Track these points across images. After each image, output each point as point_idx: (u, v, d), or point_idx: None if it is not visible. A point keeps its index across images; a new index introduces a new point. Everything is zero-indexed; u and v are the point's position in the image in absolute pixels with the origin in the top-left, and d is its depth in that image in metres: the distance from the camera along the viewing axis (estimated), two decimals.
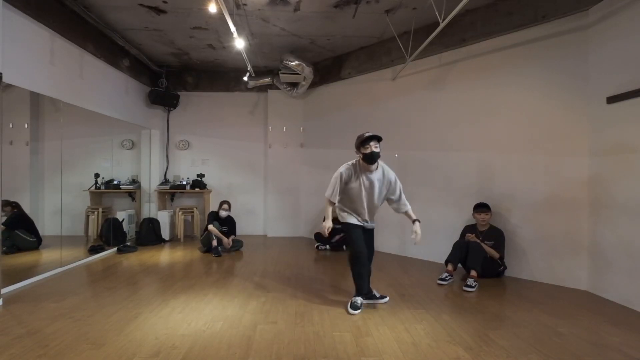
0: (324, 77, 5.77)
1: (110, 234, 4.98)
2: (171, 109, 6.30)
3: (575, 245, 3.40)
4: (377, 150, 2.76)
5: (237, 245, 5.09)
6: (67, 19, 3.89)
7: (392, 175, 2.97)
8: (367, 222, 2.97)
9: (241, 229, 6.02)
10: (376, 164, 2.85)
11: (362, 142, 2.75)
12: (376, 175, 2.87)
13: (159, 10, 4.05)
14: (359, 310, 2.77)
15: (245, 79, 5.79)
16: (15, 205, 3.72)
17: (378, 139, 2.78)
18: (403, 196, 3.00)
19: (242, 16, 4.17)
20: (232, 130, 6.44)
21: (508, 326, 2.53)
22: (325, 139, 5.86)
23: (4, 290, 3.02)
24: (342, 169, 2.87)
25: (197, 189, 6.05)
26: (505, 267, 3.70)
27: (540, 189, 3.61)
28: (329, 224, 2.89)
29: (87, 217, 4.88)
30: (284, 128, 6.26)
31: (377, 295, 2.95)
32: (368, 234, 3.00)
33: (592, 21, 3.29)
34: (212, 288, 3.32)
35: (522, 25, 3.64)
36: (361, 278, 2.87)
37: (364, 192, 2.86)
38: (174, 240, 5.84)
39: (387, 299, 2.95)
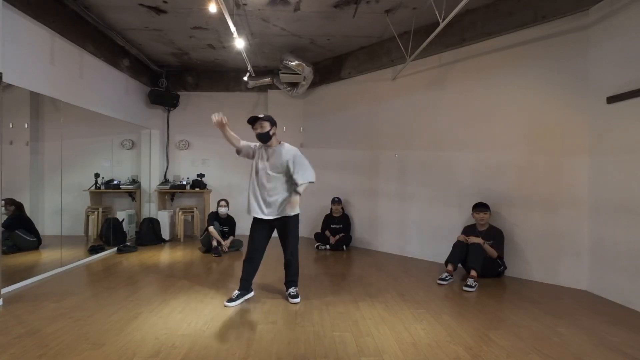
0: (324, 77, 5.77)
1: (110, 234, 4.98)
2: (171, 109, 6.30)
3: (575, 245, 3.40)
4: (261, 130, 2.93)
5: (237, 245, 5.09)
6: (67, 19, 3.88)
7: (292, 152, 2.98)
8: (264, 211, 2.94)
9: (241, 228, 6.01)
10: (274, 142, 3.00)
11: (250, 124, 2.98)
12: (275, 153, 2.96)
13: (159, 10, 4.05)
14: (233, 303, 2.87)
15: (245, 79, 5.79)
16: (18, 206, 3.73)
17: (262, 118, 2.93)
18: (300, 173, 2.90)
19: (242, 16, 4.17)
20: (232, 130, 6.40)
21: (508, 326, 2.52)
22: (325, 139, 5.86)
23: (4, 290, 3.02)
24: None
25: (197, 189, 6.05)
26: (505, 267, 3.70)
27: (540, 189, 3.61)
28: (218, 117, 2.86)
29: (87, 217, 4.88)
30: (284, 128, 6.25)
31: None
32: (279, 225, 3.01)
33: (593, 21, 3.29)
34: (212, 288, 3.32)
35: (522, 25, 3.64)
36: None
37: (258, 171, 2.95)
38: (174, 240, 5.84)
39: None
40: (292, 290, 3.04)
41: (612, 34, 3.10)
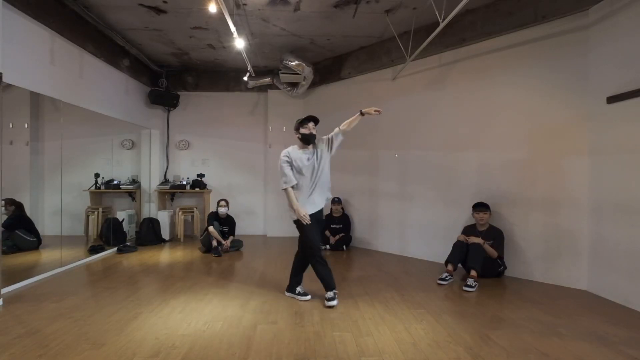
0: (324, 77, 5.77)
1: (110, 234, 4.98)
2: (171, 109, 6.30)
3: (575, 245, 3.40)
4: (314, 132, 2.98)
5: (237, 245, 5.09)
6: (67, 19, 3.89)
7: (323, 140, 3.07)
8: (316, 204, 2.99)
9: (241, 228, 6.02)
10: (311, 145, 3.03)
11: (301, 122, 2.97)
12: (313, 153, 3.01)
13: (159, 10, 4.05)
14: (336, 301, 2.89)
15: (245, 79, 5.79)
16: (18, 206, 3.73)
17: (316, 121, 2.99)
18: (335, 131, 3.06)
19: (242, 16, 4.17)
20: (232, 130, 6.44)
21: (508, 326, 2.52)
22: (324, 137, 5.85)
23: (4, 290, 3.02)
24: (284, 153, 2.98)
25: (197, 189, 6.05)
26: (505, 267, 3.70)
27: (540, 189, 3.61)
28: (304, 211, 2.91)
29: (87, 217, 4.88)
30: (284, 128, 6.25)
31: (301, 292, 3.09)
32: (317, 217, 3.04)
33: (592, 21, 3.29)
34: (212, 288, 3.32)
35: (522, 25, 3.64)
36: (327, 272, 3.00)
37: (309, 172, 2.96)
38: (174, 240, 5.84)
39: (308, 297, 3.06)
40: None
41: (612, 34, 3.10)
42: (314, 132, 2.98)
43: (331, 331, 2.42)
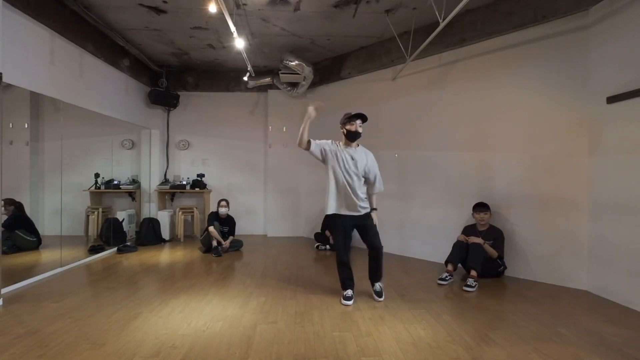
0: (324, 77, 5.77)
1: (110, 234, 4.98)
2: (171, 109, 6.30)
3: (575, 245, 3.40)
4: (360, 130, 2.98)
5: (237, 245, 5.09)
6: (67, 19, 3.89)
7: (370, 155, 3.09)
8: (356, 208, 2.97)
9: (241, 228, 6.02)
10: (356, 143, 3.06)
11: (349, 118, 2.96)
12: (357, 153, 3.02)
13: (159, 10, 4.05)
14: (352, 301, 2.94)
15: (245, 79, 5.79)
16: (18, 206, 3.73)
17: (363, 118, 2.97)
18: (378, 180, 3.07)
19: (242, 16, 4.17)
20: (232, 130, 6.44)
21: (508, 326, 2.52)
22: (325, 139, 5.84)
23: (4, 290, 3.02)
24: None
25: (197, 189, 6.05)
26: (505, 267, 3.70)
27: (540, 189, 3.61)
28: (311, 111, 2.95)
29: (87, 217, 4.88)
30: (284, 128, 6.26)
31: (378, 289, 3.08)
32: (361, 222, 3.01)
33: (593, 21, 3.29)
34: (212, 288, 3.32)
35: (522, 25, 3.64)
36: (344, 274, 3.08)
37: (345, 170, 2.96)
38: (174, 240, 5.84)
39: (381, 298, 3.04)
40: (377, 286, 3.08)
41: (612, 34, 3.10)
42: (360, 130, 2.97)
43: (331, 331, 2.42)
